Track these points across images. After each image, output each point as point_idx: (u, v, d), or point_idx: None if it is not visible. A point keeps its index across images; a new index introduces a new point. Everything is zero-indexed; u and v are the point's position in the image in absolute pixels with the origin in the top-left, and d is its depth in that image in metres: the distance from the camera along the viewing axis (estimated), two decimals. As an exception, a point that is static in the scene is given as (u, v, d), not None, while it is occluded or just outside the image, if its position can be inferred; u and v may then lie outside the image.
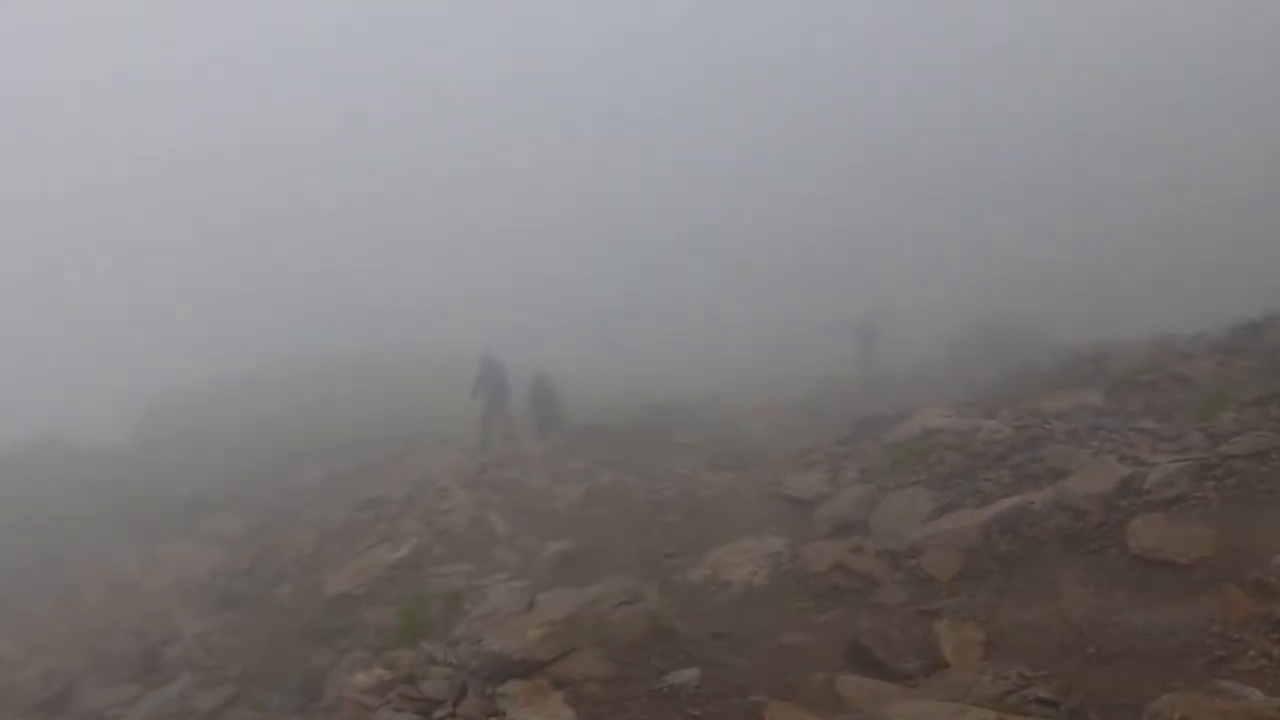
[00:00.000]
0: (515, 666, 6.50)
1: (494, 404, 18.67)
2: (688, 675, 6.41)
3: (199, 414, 30.38)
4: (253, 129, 70.90)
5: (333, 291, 50.83)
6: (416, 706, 6.95)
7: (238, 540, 16.29)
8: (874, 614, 7.53)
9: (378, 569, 12.02)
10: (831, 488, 10.95)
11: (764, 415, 19.79)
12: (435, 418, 23.50)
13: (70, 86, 75.48)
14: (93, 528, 19.10)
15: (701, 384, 26.51)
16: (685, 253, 49.92)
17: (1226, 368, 11.25)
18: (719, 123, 63.68)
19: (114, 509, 19.90)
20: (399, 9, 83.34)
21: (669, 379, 29.56)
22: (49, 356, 48.12)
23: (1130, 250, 33.82)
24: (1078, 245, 36.29)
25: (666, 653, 6.77)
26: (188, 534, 17.53)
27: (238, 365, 36.74)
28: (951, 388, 17.32)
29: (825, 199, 49.94)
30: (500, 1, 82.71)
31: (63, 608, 15.16)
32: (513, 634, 6.82)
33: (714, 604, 8.61)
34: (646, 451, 15.97)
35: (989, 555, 7.88)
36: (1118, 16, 52.05)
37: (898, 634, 6.81)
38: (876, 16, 63.41)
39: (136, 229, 62.27)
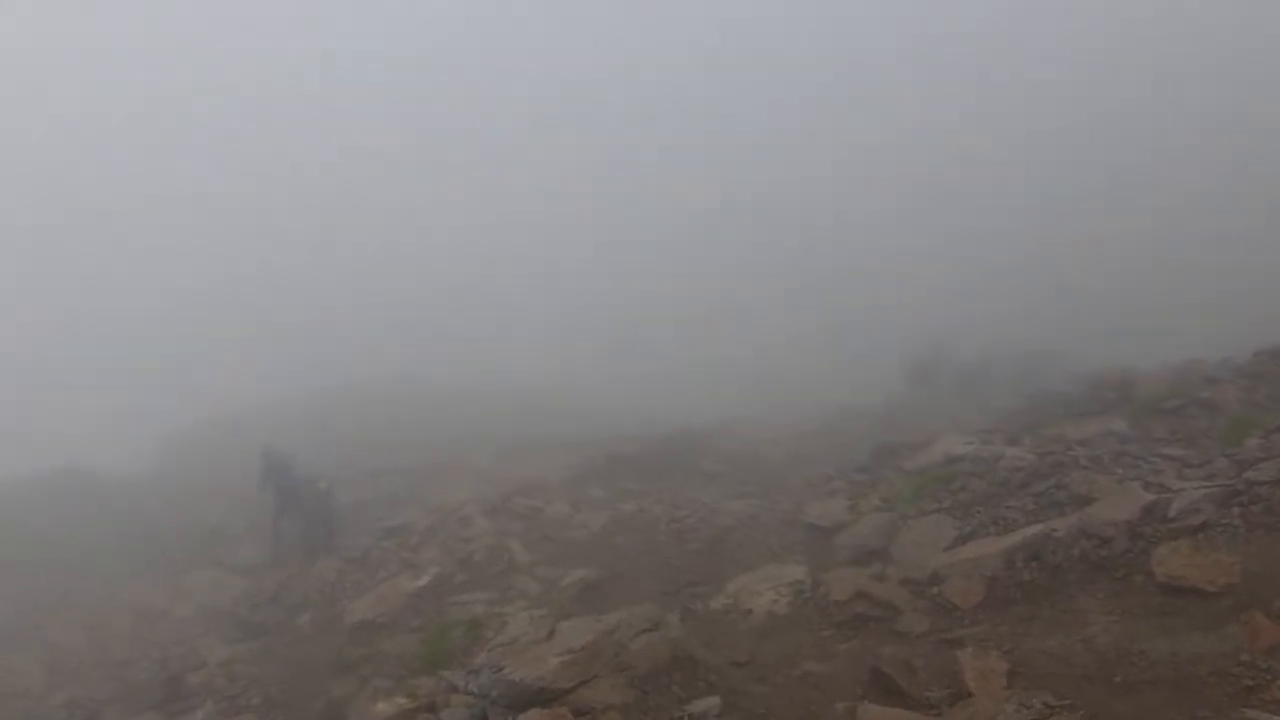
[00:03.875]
0: (535, 695, 6.50)
1: (283, 503, 16.71)
2: (709, 703, 6.39)
3: (222, 444, 30.52)
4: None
5: (367, 320, 50.96)
6: (437, 735, 6.97)
7: (261, 569, 16.36)
8: (896, 642, 7.48)
9: (399, 597, 12.06)
10: (853, 515, 10.90)
11: (785, 442, 19.70)
12: (457, 447, 23.60)
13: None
14: (118, 557, 19.21)
15: (727, 409, 26.45)
16: (721, 268, 49.80)
17: (1252, 393, 11.16)
18: (751, 138, 63.78)
19: (139, 538, 20.02)
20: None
21: (695, 402, 29.53)
22: (75, 385, 48.52)
23: (1152, 274, 33.57)
24: (1100, 268, 36.05)
25: (687, 681, 6.75)
26: (212, 563, 17.62)
27: (263, 396, 36.97)
28: (972, 414, 17.21)
29: (854, 218, 49.87)
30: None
31: (88, 637, 15.24)
32: (533, 662, 6.82)
33: (735, 632, 8.58)
34: (668, 479, 15.95)
35: (1012, 583, 7.82)
36: (1156, 31, 51.86)
37: (920, 662, 6.75)
38: (911, 26, 63.52)
39: (181, 254, 62.78)
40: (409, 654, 10.03)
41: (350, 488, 20.89)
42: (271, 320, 52.08)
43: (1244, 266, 29.89)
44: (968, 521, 9.39)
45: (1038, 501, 9.21)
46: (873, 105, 60.07)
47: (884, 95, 60.78)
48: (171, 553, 18.72)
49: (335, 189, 70.21)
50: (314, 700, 10.04)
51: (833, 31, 69.83)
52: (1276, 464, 7.88)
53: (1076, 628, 6.78)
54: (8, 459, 29.27)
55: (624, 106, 71.66)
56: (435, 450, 23.71)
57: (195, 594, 16.01)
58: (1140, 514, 7.81)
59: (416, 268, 58.24)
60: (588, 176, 65.06)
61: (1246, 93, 43.58)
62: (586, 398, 34.38)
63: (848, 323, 38.26)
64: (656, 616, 7.54)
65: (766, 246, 50.96)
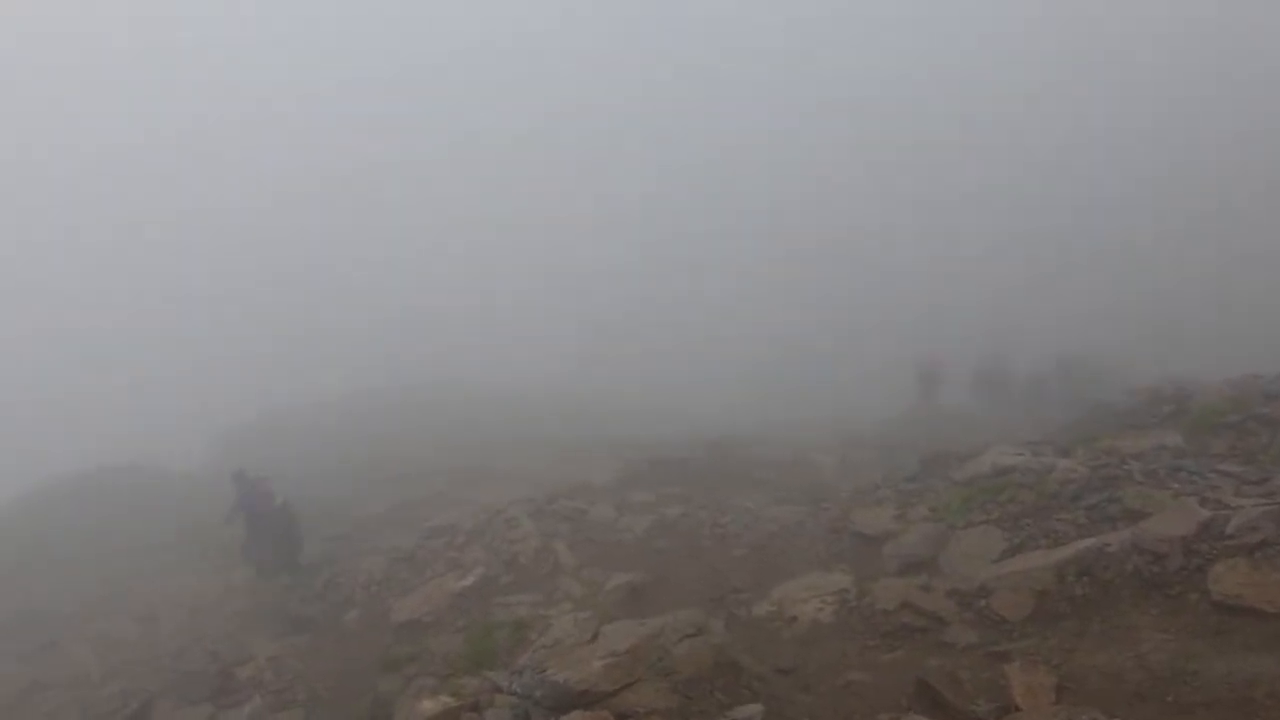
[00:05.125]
0: (578, 697, 6.52)
1: (254, 531, 16.26)
2: (751, 710, 6.37)
3: (271, 442, 31.01)
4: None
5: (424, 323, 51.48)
6: (481, 735, 7.00)
7: (309, 566, 16.57)
8: (942, 654, 7.40)
9: (445, 597, 12.18)
10: (900, 525, 10.80)
11: (831, 449, 19.60)
12: (501, 449, 23.78)
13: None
14: (168, 552, 19.58)
15: (768, 414, 26.37)
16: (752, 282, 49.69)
17: (1314, 409, 10.86)
18: (796, 141, 63.48)
19: (189, 533, 20.38)
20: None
21: (736, 406, 29.45)
22: (128, 384, 49.53)
23: (1203, 285, 32.89)
24: (1152, 282, 35.41)
25: (730, 687, 6.73)
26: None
27: (309, 397, 37.51)
28: (1023, 425, 16.98)
29: (892, 231, 49.50)
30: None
31: (140, 629, 15.54)
32: (576, 664, 6.84)
33: (779, 639, 8.55)
34: (713, 485, 15.94)
35: (1062, 597, 7.70)
36: (1210, 44, 50.96)
37: (967, 675, 6.67)
38: (953, 28, 62.92)
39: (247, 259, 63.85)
40: (454, 653, 10.10)
41: (397, 486, 21.20)
42: (317, 324, 52.81)
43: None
44: (1017, 534, 9.25)
45: (1089, 515, 9.05)
46: (920, 109, 59.53)
47: (930, 100, 60.25)
48: (221, 548, 19.01)
49: (375, 195, 71.05)
50: (360, 697, 10.16)
51: (875, 34, 69.38)
52: (1339, 482, 7.69)
53: (1128, 645, 6.66)
54: (63, 455, 30.02)
55: (657, 108, 71.68)
56: (478, 452, 23.92)
57: (243, 589, 16.25)
58: (1196, 530, 7.65)
59: (453, 273, 58.79)
60: (622, 182, 65.22)
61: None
62: (624, 400, 34.47)
63: (895, 327, 37.94)
64: (700, 622, 7.53)
65: (813, 250, 50.72)
